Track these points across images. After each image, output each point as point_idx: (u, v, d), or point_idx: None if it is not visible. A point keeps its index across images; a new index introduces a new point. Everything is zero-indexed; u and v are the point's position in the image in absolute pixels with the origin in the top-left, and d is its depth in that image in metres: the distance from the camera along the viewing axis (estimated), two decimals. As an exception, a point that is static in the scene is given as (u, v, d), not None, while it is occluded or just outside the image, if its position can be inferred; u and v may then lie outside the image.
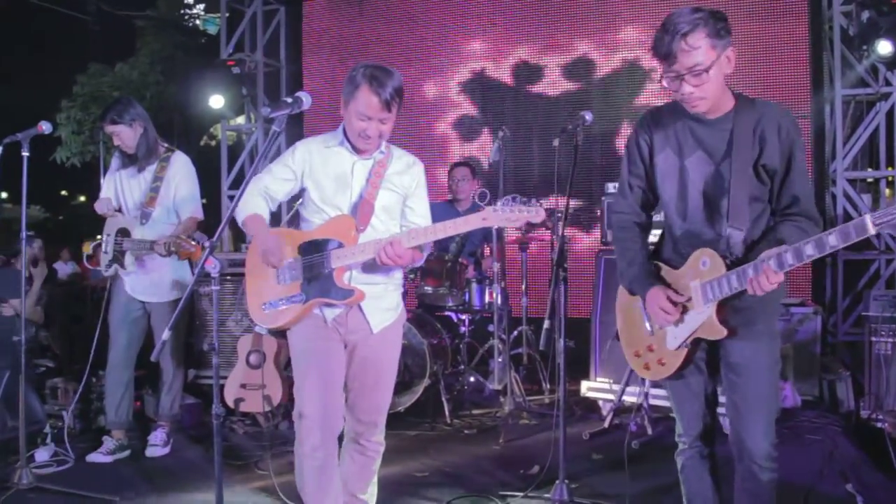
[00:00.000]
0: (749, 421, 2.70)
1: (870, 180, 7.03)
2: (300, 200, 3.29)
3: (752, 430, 2.69)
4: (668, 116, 2.73)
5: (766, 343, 2.71)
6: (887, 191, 7.28)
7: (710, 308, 2.59)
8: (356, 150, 3.16)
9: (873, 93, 6.69)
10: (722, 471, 2.93)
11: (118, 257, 4.68)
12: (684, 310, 2.66)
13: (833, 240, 2.24)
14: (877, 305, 5.14)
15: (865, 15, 6.15)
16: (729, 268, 2.54)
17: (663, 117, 2.76)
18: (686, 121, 2.69)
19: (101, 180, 4.95)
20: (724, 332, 2.58)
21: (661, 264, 2.79)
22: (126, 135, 4.67)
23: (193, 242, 4.34)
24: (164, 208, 4.71)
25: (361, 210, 3.13)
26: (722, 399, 2.83)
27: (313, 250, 3.12)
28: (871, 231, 2.16)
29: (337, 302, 3.11)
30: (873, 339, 5.13)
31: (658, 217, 2.92)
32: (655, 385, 5.10)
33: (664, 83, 2.60)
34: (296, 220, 3.36)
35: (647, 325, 2.80)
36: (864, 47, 6.29)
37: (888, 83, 6.65)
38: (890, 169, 6.84)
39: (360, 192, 3.16)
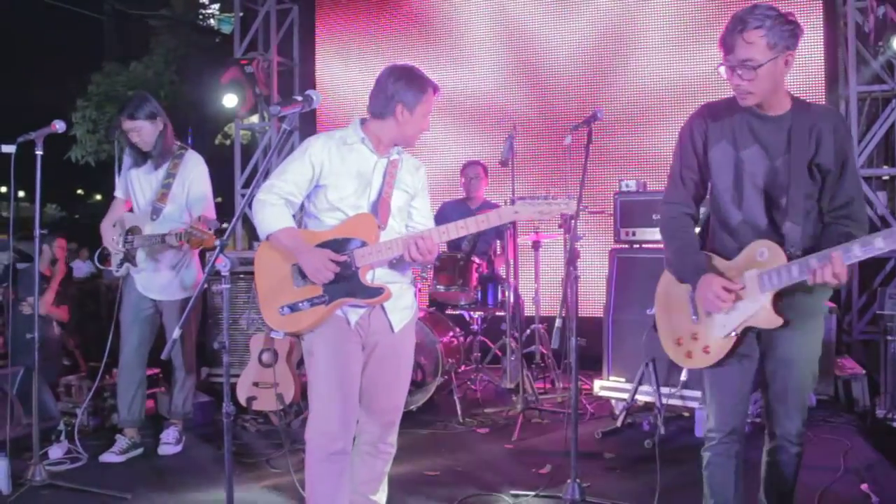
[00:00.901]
0: (788, 405, 2.87)
1: (885, 178, 6.96)
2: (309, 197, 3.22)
3: (791, 413, 2.87)
4: (725, 110, 2.81)
5: (813, 337, 2.85)
6: (904, 188, 7.22)
7: (767, 297, 2.67)
8: (376, 150, 3.17)
9: (888, 89, 6.63)
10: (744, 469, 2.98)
11: (129, 256, 4.69)
12: (737, 298, 2.73)
13: None
14: (892, 304, 5.11)
15: (880, 11, 6.10)
16: (789, 259, 2.64)
17: (720, 111, 2.84)
18: (744, 115, 2.77)
19: (116, 179, 4.95)
20: (780, 321, 2.67)
21: (711, 254, 2.85)
22: (146, 131, 4.64)
23: (207, 230, 4.30)
24: (177, 206, 4.68)
25: (381, 209, 3.12)
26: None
27: (334, 250, 3.05)
28: None
29: (364, 302, 3.08)
30: (889, 337, 5.09)
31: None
32: (668, 384, 5.10)
33: (720, 70, 2.70)
34: (300, 220, 3.28)
35: (693, 313, 2.86)
36: (879, 43, 6.24)
37: (904, 80, 6.59)
38: (906, 166, 6.78)
39: (379, 192, 3.15)
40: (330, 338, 3.11)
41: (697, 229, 2.99)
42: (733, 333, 2.76)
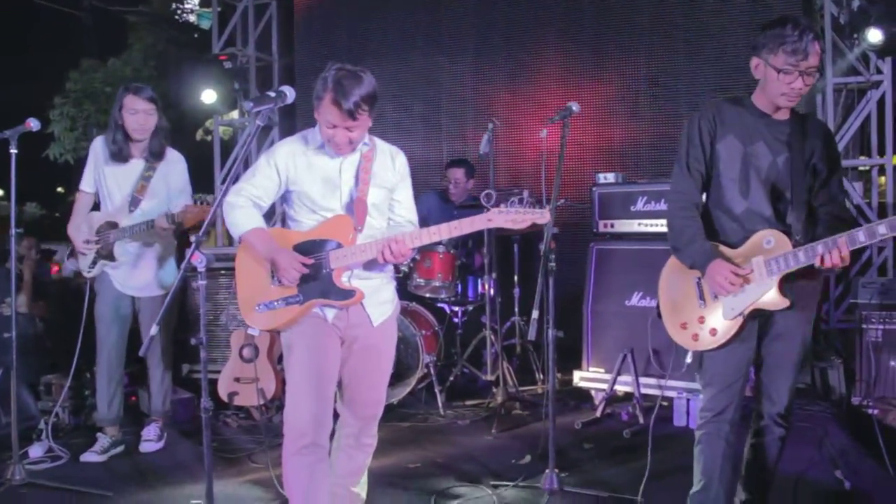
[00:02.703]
0: (778, 378, 3.09)
1: (862, 168, 7.03)
2: (285, 201, 3.25)
3: (780, 386, 3.09)
4: (733, 109, 3.09)
5: (806, 320, 3.09)
6: (880, 179, 7.28)
7: (773, 281, 2.92)
8: (339, 151, 3.13)
9: (864, 81, 6.68)
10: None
11: (104, 252, 4.62)
12: (744, 282, 2.95)
13: None
14: (865, 293, 5.19)
15: (856, 3, 6.13)
16: (794, 247, 2.89)
17: (727, 109, 3.09)
18: (752, 115, 3.05)
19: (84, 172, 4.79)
20: (787, 302, 2.92)
21: (716, 244, 3.06)
22: (152, 117, 4.59)
23: (198, 203, 4.26)
24: (158, 202, 4.61)
25: (357, 210, 3.11)
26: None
27: (309, 251, 3.08)
28: None
29: (338, 303, 3.10)
30: (864, 326, 5.16)
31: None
32: (646, 374, 5.15)
33: (778, 76, 2.91)
34: (283, 220, 3.31)
35: (700, 297, 3.07)
36: (855, 35, 6.28)
37: (879, 71, 6.64)
38: (881, 157, 6.83)
39: (351, 192, 3.14)
40: (307, 333, 3.13)
41: None
42: (741, 316, 2.98)
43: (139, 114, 4.56)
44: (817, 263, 2.82)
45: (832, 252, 2.79)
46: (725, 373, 3.07)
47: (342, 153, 3.12)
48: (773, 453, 3.16)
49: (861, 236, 2.74)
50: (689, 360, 4.67)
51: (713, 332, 3.04)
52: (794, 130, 3.01)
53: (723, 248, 3.04)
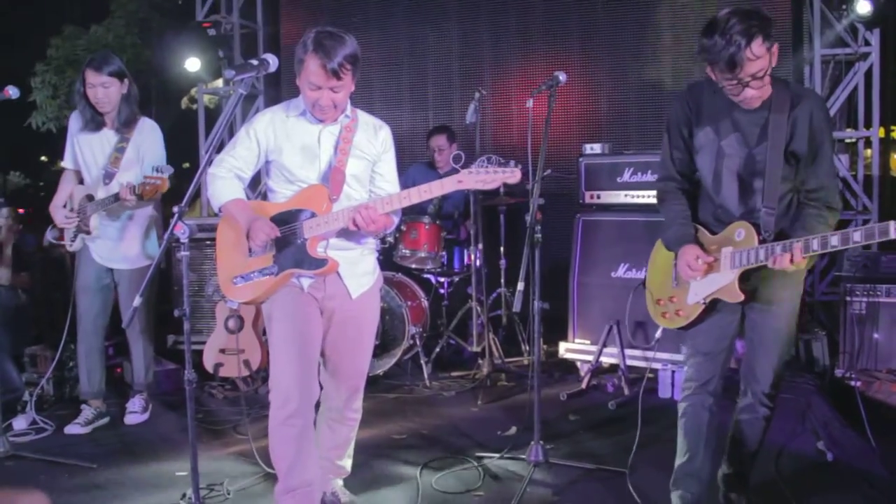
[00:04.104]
0: (761, 356, 3.03)
1: (848, 140, 7.02)
2: (266, 172, 3.23)
3: (763, 365, 3.04)
4: (709, 95, 2.94)
5: (790, 297, 3.01)
6: (866, 151, 7.28)
7: (735, 273, 2.86)
8: (320, 119, 3.11)
9: (852, 53, 6.66)
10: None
11: (82, 225, 4.57)
12: (709, 270, 2.93)
13: (857, 237, 2.52)
14: (849, 265, 5.21)
15: (845, -27, 6.11)
16: (761, 243, 2.81)
17: (704, 95, 2.97)
18: (726, 102, 2.88)
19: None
20: (742, 296, 2.87)
21: (699, 227, 3.04)
22: (113, 89, 4.49)
23: (158, 174, 4.17)
24: (132, 174, 4.51)
25: (333, 179, 3.08)
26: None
27: (285, 221, 3.08)
28: (893, 235, 2.42)
29: (310, 272, 3.09)
30: (848, 298, 5.18)
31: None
32: (632, 346, 5.17)
33: (725, 86, 2.77)
34: (264, 195, 3.30)
35: (674, 278, 3.09)
36: (844, 6, 6.26)
37: (867, 43, 6.61)
38: (868, 129, 6.83)
39: (329, 162, 3.11)
40: (286, 303, 3.13)
41: None
42: (702, 302, 2.97)
43: (96, 88, 4.48)
44: (769, 264, 2.74)
45: (784, 255, 2.69)
46: (707, 343, 3.07)
47: (327, 118, 3.09)
48: (756, 432, 3.15)
49: (814, 244, 2.63)
50: (658, 335, 4.73)
51: (679, 312, 3.07)
52: (773, 113, 2.83)
53: (702, 233, 3.03)
